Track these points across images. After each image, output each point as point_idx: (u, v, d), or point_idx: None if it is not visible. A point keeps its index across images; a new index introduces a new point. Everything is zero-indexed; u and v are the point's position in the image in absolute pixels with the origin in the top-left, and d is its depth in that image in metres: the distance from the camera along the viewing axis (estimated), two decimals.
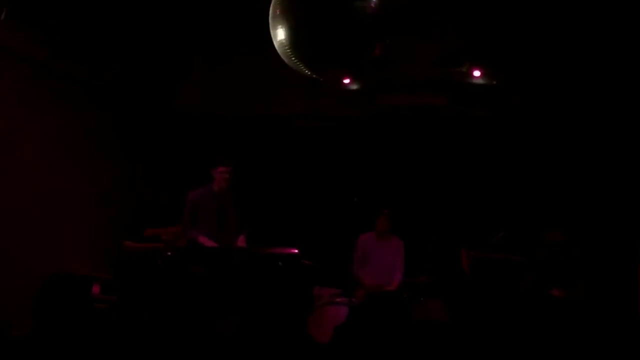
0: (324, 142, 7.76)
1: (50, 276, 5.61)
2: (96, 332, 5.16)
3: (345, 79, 6.86)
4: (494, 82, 6.78)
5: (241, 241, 5.51)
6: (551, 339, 5.31)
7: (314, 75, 4.19)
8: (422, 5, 6.08)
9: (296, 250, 5.06)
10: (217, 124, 7.65)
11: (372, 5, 4.30)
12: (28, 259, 5.63)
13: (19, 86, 5.70)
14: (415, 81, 6.96)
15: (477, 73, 6.77)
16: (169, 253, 4.98)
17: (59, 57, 6.01)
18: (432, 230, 6.90)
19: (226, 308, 4.87)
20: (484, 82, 6.77)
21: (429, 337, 5.48)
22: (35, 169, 5.93)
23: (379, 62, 6.31)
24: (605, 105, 6.72)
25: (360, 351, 5.36)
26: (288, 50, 4.24)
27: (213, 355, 4.77)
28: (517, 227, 6.34)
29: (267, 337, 4.85)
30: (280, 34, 4.19)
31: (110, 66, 6.67)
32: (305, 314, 5.50)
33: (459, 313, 5.93)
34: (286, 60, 4.40)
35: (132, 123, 7.18)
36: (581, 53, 6.46)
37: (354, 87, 6.93)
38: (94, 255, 6.33)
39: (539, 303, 5.51)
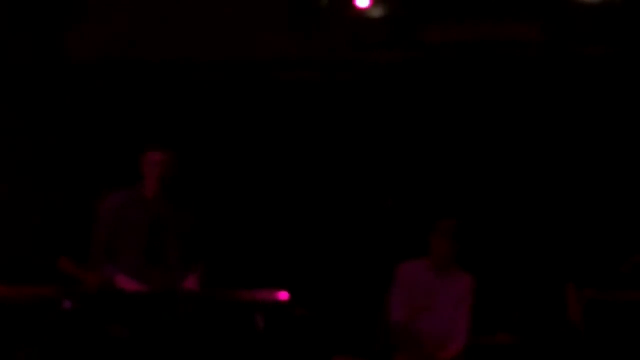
0: (329, 106, 7.03)
1: None
2: None
3: None
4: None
5: (190, 281, 5.17)
6: None
7: None
8: None
9: (286, 295, 4.76)
10: (139, 76, 6.98)
11: None
12: None
13: None
14: (486, 1, 6.56)
15: None
16: (67, 303, 4.71)
17: None
18: (518, 256, 6.49)
19: None
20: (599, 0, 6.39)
21: None
22: None
23: None
24: None
25: None
26: None
27: None
28: None
29: None
30: None
31: None
32: None
33: None
34: None
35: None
36: None
37: (379, 13, 6.63)
38: None
39: None
